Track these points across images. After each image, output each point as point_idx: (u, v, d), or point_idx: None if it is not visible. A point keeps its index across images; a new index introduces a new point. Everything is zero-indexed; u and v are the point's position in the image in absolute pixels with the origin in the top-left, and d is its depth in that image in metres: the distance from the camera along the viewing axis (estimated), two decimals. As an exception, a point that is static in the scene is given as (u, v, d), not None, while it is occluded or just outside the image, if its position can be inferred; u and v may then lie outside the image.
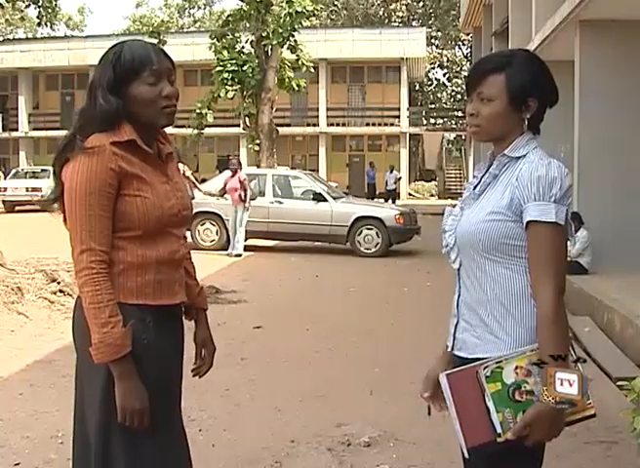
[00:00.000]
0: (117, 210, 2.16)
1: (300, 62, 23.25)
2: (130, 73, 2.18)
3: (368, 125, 38.75)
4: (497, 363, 1.95)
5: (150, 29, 25.41)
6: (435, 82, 52.15)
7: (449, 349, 2.21)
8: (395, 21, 48.75)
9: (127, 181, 2.15)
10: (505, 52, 2.21)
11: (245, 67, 21.97)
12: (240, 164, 14.27)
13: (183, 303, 2.39)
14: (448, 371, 2.02)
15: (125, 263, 2.18)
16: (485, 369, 1.94)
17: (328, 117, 38.22)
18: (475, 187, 2.17)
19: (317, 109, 38.03)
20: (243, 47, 22.82)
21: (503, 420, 1.92)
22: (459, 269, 2.17)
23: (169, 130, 2.39)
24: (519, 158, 2.07)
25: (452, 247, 2.17)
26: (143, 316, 2.19)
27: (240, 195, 13.67)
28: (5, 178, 28.90)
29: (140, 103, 2.20)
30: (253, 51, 22.57)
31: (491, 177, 2.12)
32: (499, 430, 1.92)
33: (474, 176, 2.23)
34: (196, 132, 23.51)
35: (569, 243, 8.91)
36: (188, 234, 12.15)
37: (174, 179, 2.33)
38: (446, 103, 49.22)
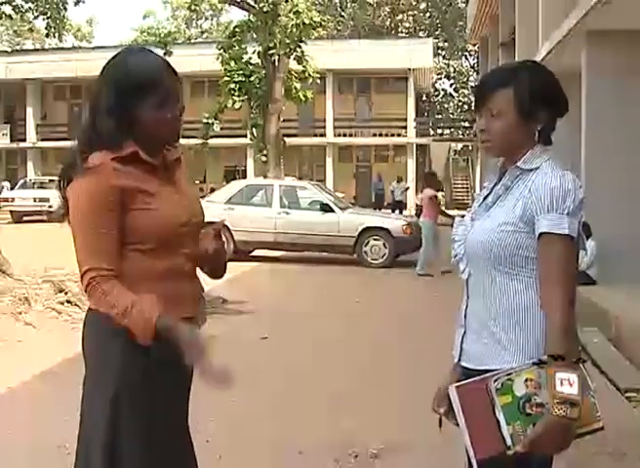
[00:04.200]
0: (127, 225, 2.13)
1: (306, 73, 23.30)
2: (135, 93, 2.14)
3: (375, 135, 38.76)
4: (507, 375, 1.94)
5: (157, 40, 25.51)
6: (442, 92, 52.26)
7: (455, 360, 2.20)
8: (402, 32, 48.91)
9: (132, 196, 2.13)
10: (512, 64, 2.20)
11: (252, 78, 22.05)
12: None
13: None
14: (457, 384, 2.01)
15: (133, 276, 2.15)
16: (495, 381, 1.93)
17: (335, 128, 38.29)
18: (486, 198, 2.16)
19: (324, 120, 38.11)
20: (250, 58, 22.89)
21: (514, 433, 1.90)
22: (467, 279, 2.16)
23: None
24: (532, 170, 2.06)
25: (461, 257, 2.16)
26: None
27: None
28: (13, 189, 29.03)
29: (147, 126, 2.17)
30: (260, 62, 22.64)
31: (503, 189, 2.11)
32: (509, 442, 1.90)
33: (484, 187, 2.22)
34: (201, 141, 23.52)
35: (581, 254, 8.90)
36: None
37: (182, 187, 2.31)
38: (453, 114, 49.25)
